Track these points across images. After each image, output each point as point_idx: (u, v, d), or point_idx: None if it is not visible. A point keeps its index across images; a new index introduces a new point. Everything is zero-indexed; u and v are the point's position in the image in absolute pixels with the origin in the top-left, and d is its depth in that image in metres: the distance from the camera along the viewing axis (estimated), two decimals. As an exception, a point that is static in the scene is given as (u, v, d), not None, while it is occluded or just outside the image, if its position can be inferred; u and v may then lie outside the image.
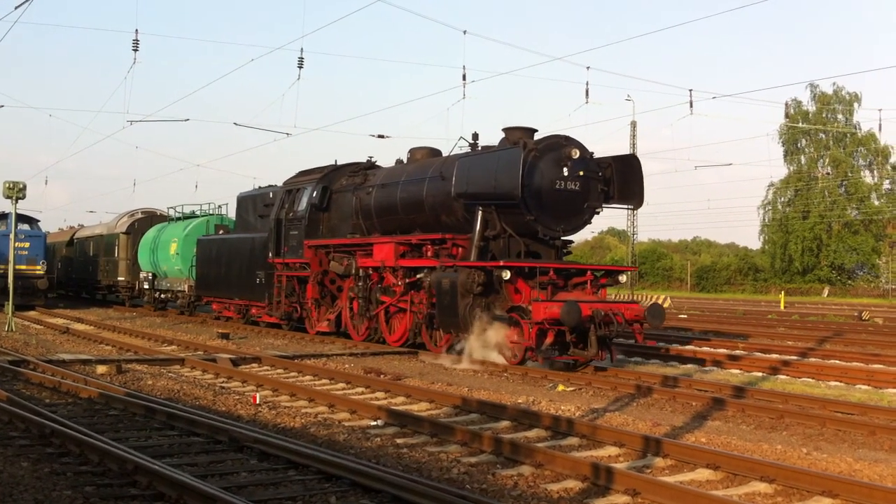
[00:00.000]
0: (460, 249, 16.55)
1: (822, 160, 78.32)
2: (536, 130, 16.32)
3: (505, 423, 10.07)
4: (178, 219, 32.46)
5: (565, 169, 15.43)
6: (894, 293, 68.08)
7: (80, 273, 41.99)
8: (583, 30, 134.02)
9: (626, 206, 17.09)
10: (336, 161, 22.09)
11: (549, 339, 14.35)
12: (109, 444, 7.87)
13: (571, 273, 15.87)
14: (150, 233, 33.09)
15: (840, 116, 76.66)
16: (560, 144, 15.58)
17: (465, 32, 29.47)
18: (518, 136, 16.03)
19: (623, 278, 16.60)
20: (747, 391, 12.51)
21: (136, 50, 20.74)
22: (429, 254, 17.15)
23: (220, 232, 28.02)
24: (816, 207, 73.81)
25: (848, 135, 75.44)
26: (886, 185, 78.08)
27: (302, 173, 22.85)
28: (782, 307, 45.67)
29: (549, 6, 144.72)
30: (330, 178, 21.33)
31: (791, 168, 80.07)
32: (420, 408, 11.22)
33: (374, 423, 9.97)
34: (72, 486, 6.84)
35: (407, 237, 17.88)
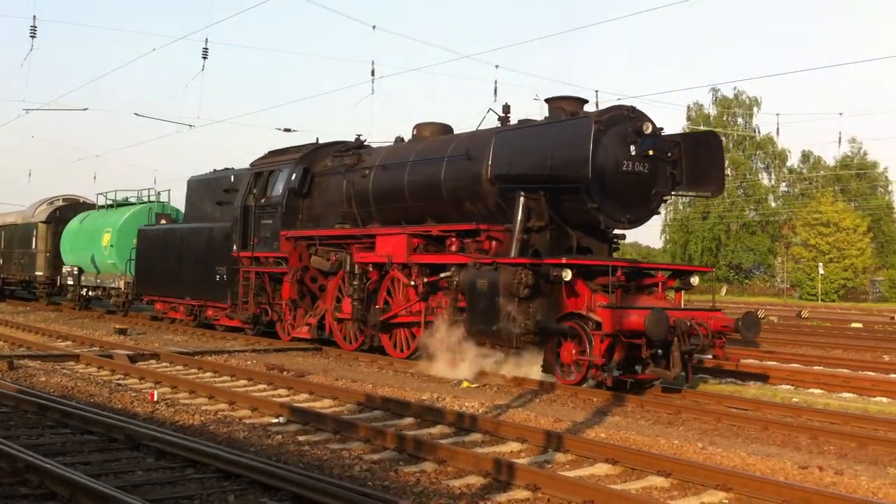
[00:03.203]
0: (494, 243, 14.05)
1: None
2: (587, 101, 14.08)
3: (409, 420, 10.06)
4: (110, 206, 29.09)
5: (632, 147, 12.77)
6: (789, 292, 70.30)
7: None
8: (492, 28, 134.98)
9: (699, 194, 14.52)
10: (317, 139, 19.52)
11: (619, 355, 11.91)
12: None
13: (636, 274, 13.29)
14: (76, 222, 29.82)
15: (740, 120, 78.75)
16: (626, 117, 12.94)
17: (374, 27, 29.42)
18: (573, 109, 13.69)
19: (695, 280, 13.64)
20: (646, 388, 12.73)
21: (33, 36, 20.14)
22: (453, 248, 14.56)
23: (163, 221, 24.80)
24: (716, 208, 75.60)
25: (747, 138, 77.52)
26: (783, 187, 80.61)
27: (273, 153, 19.99)
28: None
29: (458, 4, 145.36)
30: (311, 159, 18.54)
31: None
32: (323, 405, 11.13)
33: (275, 420, 9.84)
34: (-44, 486, 6.58)
35: (424, 228, 15.06)
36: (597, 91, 26.87)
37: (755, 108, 77.47)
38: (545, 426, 9.64)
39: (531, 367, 13.15)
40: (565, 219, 13.38)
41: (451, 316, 13.86)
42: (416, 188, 15.54)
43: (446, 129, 16.71)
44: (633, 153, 12.78)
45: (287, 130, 27.42)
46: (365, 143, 18.25)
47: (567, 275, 12.14)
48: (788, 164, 79.64)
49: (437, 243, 14.97)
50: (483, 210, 14.34)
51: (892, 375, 15.39)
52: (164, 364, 14.97)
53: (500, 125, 14.71)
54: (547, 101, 14.09)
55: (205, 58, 21.47)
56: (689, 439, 9.08)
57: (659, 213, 13.94)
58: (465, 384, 12.97)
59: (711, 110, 78.63)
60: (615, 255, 14.47)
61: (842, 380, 14.31)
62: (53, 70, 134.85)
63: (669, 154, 13.26)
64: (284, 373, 13.64)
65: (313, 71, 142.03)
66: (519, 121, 14.52)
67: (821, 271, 64.21)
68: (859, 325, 31.08)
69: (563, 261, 12.31)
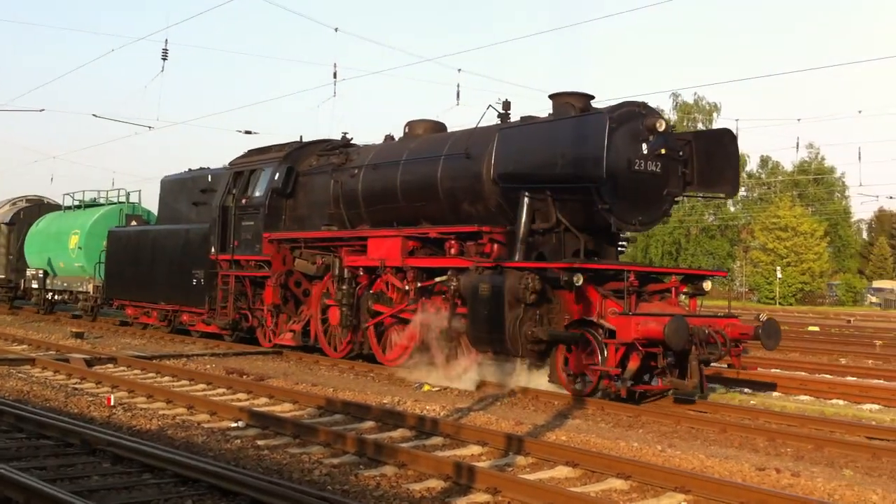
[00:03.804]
0: (496, 246, 13.31)
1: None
2: (594, 97, 13.23)
3: (369, 424, 10.02)
4: (78, 207, 27.97)
5: (644, 145, 12.11)
6: (748, 296, 71.07)
7: None
8: (454, 32, 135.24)
9: (714, 195, 13.94)
10: (301, 137, 18.67)
11: (634, 364, 11.19)
12: (-50, 448, 7.47)
13: (645, 279, 12.64)
14: (42, 223, 28.74)
15: (700, 125, 79.54)
16: (637, 113, 12.27)
17: (336, 30, 29.34)
18: (581, 105, 12.96)
19: (708, 285, 12.98)
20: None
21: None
22: (452, 251, 13.66)
23: (134, 223, 23.76)
24: (676, 213, 76.24)
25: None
26: (742, 192, 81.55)
27: (253, 152, 19.14)
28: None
29: (421, 7, 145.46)
30: (295, 158, 17.67)
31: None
32: (283, 409, 11.06)
33: (234, 424, 9.76)
34: None
35: (420, 229, 14.27)
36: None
37: (715, 114, 78.31)
38: (506, 429, 9.64)
39: (535, 377, 12.69)
40: (573, 221, 12.63)
41: (450, 322, 13.20)
42: (409, 188, 14.74)
43: (440, 126, 16.08)
44: (645, 152, 12.14)
45: (247, 133, 27.34)
46: (351, 142, 17.63)
47: (579, 279, 11.48)
48: (747, 169, 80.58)
49: (434, 246, 14.22)
50: (483, 211, 13.63)
51: (849, 378, 15.59)
52: (121, 368, 14.79)
53: (500, 122, 14.06)
54: (551, 97, 13.32)
55: (164, 59, 21.34)
56: (648, 442, 9.12)
57: (670, 214, 13.45)
58: (426, 387, 12.95)
59: (672, 116, 79.36)
60: (620, 259, 14.00)
61: (799, 382, 14.46)
62: (9, 71, 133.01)
63: (681, 153, 12.70)
64: (244, 377, 13.54)
65: (275, 73, 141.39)
66: (521, 118, 13.89)
67: (779, 275, 65.04)
68: (816, 329, 31.47)
69: (576, 265, 11.66)
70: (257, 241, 17.48)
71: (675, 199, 13.20)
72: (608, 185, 11.81)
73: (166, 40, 31.04)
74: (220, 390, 12.48)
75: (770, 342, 11.95)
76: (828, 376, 15.60)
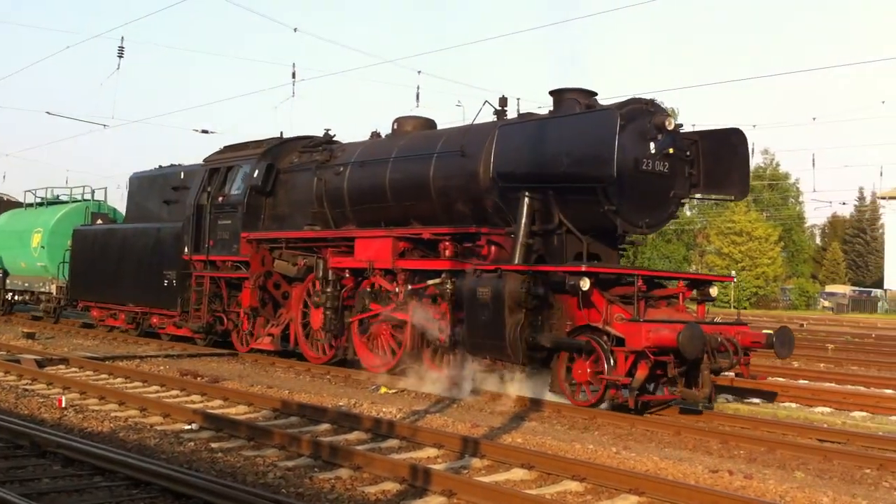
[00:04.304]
0: (493, 248, 12.79)
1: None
2: (596, 94, 12.60)
3: (325, 426, 9.97)
4: (40, 205, 26.95)
5: (652, 144, 11.62)
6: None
7: None
8: (414, 34, 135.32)
9: (722, 197, 13.34)
10: (281, 133, 17.90)
11: (643, 373, 10.66)
12: None
13: (652, 283, 12.20)
14: (1, 220, 27.66)
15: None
16: (645, 111, 11.72)
17: (295, 30, 29.20)
18: (585, 102, 12.34)
19: (714, 291, 12.49)
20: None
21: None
22: (447, 253, 13.10)
23: (99, 221, 22.99)
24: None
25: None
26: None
27: (230, 148, 18.36)
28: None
29: (380, 8, 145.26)
30: (275, 154, 16.95)
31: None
32: (238, 411, 10.96)
33: (188, 426, 9.66)
34: None
35: (413, 230, 13.65)
36: (518, 99, 26.97)
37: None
38: (462, 432, 9.64)
39: (531, 386, 12.21)
40: (576, 222, 12.03)
41: (446, 328, 12.60)
42: (399, 187, 14.10)
43: (429, 123, 15.54)
44: (653, 151, 11.63)
45: (204, 132, 27.13)
46: (333, 139, 16.94)
47: (585, 284, 10.90)
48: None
49: (426, 248, 13.66)
50: (478, 212, 13.05)
51: (801, 382, 15.80)
52: (73, 369, 14.58)
53: (496, 119, 13.47)
54: (552, 93, 12.73)
55: (121, 56, 21.16)
56: (603, 444, 9.17)
57: (676, 217, 12.74)
58: (383, 389, 12.91)
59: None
60: (621, 262, 13.50)
61: (752, 385, 14.59)
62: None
63: (688, 153, 12.22)
64: (198, 378, 13.41)
65: (233, 72, 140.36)
66: (520, 115, 13.41)
67: (734, 277, 65.69)
68: (770, 332, 31.75)
69: (583, 268, 11.10)
70: (235, 241, 16.78)
71: (682, 200, 12.80)
72: (615, 186, 11.30)
73: (122, 38, 31.03)
74: (174, 392, 12.35)
75: (784, 350, 11.57)
76: (780, 379, 15.77)
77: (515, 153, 12.31)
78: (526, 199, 11.98)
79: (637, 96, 11.94)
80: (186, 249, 17.92)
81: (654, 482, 7.27)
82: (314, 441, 8.55)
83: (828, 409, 12.67)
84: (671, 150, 11.78)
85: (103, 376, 13.79)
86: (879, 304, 63.66)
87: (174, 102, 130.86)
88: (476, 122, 13.63)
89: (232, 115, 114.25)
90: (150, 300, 19.31)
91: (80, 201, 25.77)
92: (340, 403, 11.40)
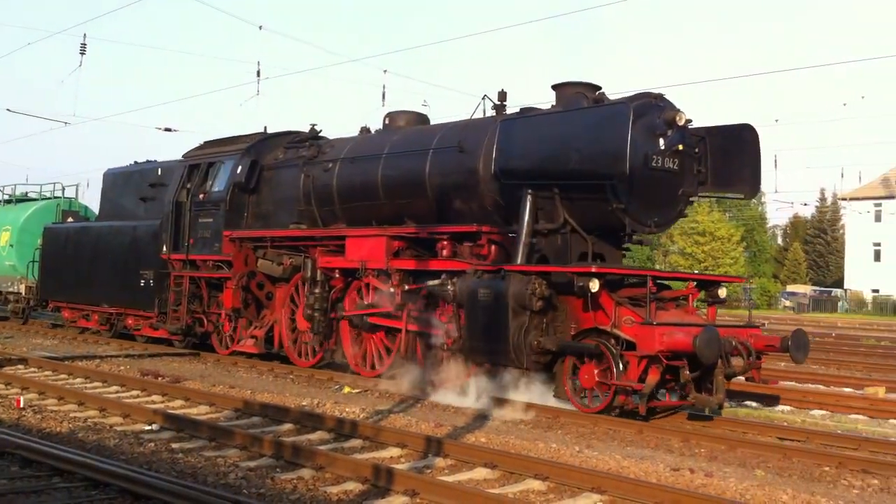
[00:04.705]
0: (493, 248, 12.34)
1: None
2: (601, 87, 12.16)
3: (288, 426, 9.91)
4: (8, 202, 26.40)
5: (661, 140, 11.12)
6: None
7: None
8: (380, 33, 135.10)
9: (732, 196, 12.64)
10: (265, 128, 17.30)
11: (654, 378, 10.18)
12: None
13: (660, 284, 11.87)
14: None
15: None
16: (654, 105, 11.21)
17: (260, 28, 29.11)
18: (592, 96, 11.87)
19: (723, 293, 11.95)
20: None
21: None
22: (444, 252, 12.56)
23: (70, 219, 22.40)
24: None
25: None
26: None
27: (211, 143, 17.78)
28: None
29: (346, 7, 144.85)
30: (259, 150, 16.34)
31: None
32: (199, 411, 10.88)
33: (148, 427, 9.56)
34: None
35: (409, 229, 13.11)
36: (484, 97, 26.89)
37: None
38: (426, 431, 9.63)
39: (533, 390, 11.57)
40: (581, 221, 11.56)
41: (447, 331, 12.09)
42: (392, 184, 13.58)
43: (422, 118, 15.02)
44: (663, 147, 11.13)
45: (167, 130, 26.92)
46: (320, 134, 16.27)
47: (595, 285, 10.40)
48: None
49: (421, 247, 13.15)
50: (476, 210, 12.57)
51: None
52: (31, 369, 14.39)
53: (495, 114, 12.96)
54: (554, 87, 12.33)
55: (83, 53, 20.85)
56: (566, 443, 9.19)
57: (685, 215, 12.42)
58: (346, 389, 12.86)
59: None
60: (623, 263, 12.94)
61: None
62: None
63: (696, 150, 11.74)
64: (159, 378, 13.29)
65: (197, 70, 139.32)
66: (521, 109, 12.85)
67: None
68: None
69: (593, 269, 10.59)
70: (216, 240, 16.10)
71: (691, 199, 12.21)
72: (624, 183, 10.82)
73: (84, 34, 30.64)
74: (135, 392, 12.23)
75: (799, 354, 10.96)
76: (741, 378, 15.87)
77: (519, 148, 11.81)
78: (529, 197, 11.57)
79: (645, 91, 11.53)
80: (165, 248, 17.33)
81: (615, 481, 7.31)
82: (276, 441, 8.51)
83: (788, 408, 12.81)
84: (681, 147, 11.31)
85: (63, 376, 13.63)
86: (840, 303, 64.47)
87: (137, 100, 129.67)
88: (464, 117, 13.26)
89: (196, 114, 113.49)
90: (125, 301, 18.74)
91: (50, 199, 25.16)
92: (303, 403, 11.35)
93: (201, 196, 16.69)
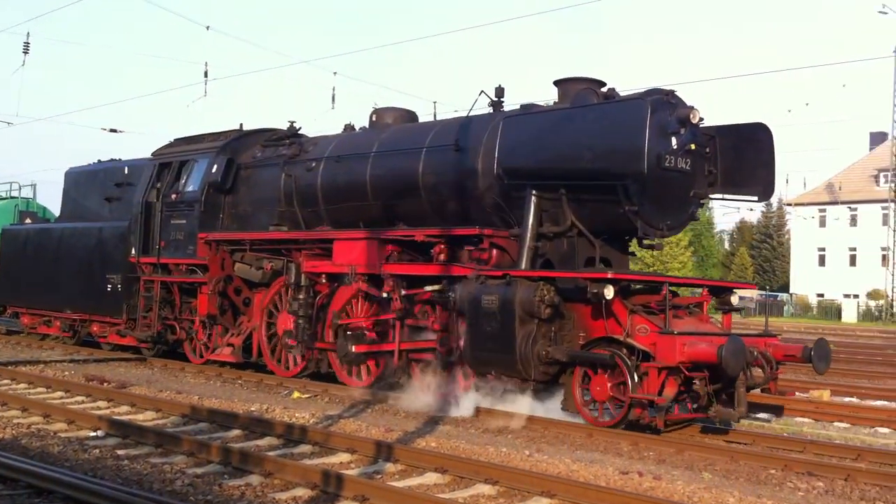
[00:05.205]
0: (495, 252, 11.65)
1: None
2: (605, 84, 11.66)
3: (236, 432, 9.81)
4: None
5: (674, 139, 10.51)
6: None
7: None
8: (330, 35, 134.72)
9: (745, 198, 12.04)
10: (241, 125, 16.61)
11: (672, 390, 9.74)
12: None
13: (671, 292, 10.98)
14: None
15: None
16: (666, 103, 10.59)
17: (207, 28, 28.99)
18: (606, 93, 11.34)
19: (736, 300, 11.50)
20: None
21: None
22: (441, 257, 11.98)
23: (28, 220, 21.36)
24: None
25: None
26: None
27: (182, 141, 16.95)
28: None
29: (296, 8, 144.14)
30: (235, 148, 15.63)
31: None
32: (146, 417, 10.74)
33: (93, 433, 9.42)
34: None
35: (404, 231, 12.42)
36: (434, 102, 27.11)
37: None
38: (376, 436, 9.59)
39: (538, 402, 11.10)
40: (589, 224, 11.06)
41: (443, 339, 11.65)
42: (382, 184, 12.98)
43: (411, 115, 14.43)
44: (675, 146, 10.55)
45: (113, 131, 26.64)
46: (299, 132, 15.54)
47: (610, 292, 9.81)
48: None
49: (414, 251, 12.59)
50: (475, 211, 12.01)
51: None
52: (-27, 375, 14.10)
53: (492, 111, 12.37)
54: (557, 83, 11.89)
55: (26, 52, 20.57)
56: (516, 447, 9.21)
57: (696, 218, 11.87)
58: (295, 394, 12.77)
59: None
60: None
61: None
62: None
63: (707, 150, 11.18)
64: (105, 384, 13.08)
65: (143, 70, 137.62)
66: (521, 106, 12.35)
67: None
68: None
69: (609, 275, 9.98)
70: (190, 242, 15.33)
71: (702, 201, 11.72)
72: (637, 184, 10.31)
73: (28, 33, 30.22)
74: (79, 398, 12.03)
75: (821, 364, 10.51)
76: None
77: (523, 146, 11.28)
78: (533, 198, 11.08)
79: (654, 87, 10.95)
80: (133, 251, 16.51)
81: (565, 484, 7.33)
82: (224, 447, 8.42)
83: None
84: (693, 146, 10.73)
85: (5, 382, 13.37)
86: (785, 307, 65.45)
87: (82, 100, 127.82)
88: (456, 115, 12.84)
89: (142, 115, 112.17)
90: (90, 306, 17.82)
91: (6, 199, 24.14)
92: (252, 409, 11.24)
93: (173, 196, 15.94)
